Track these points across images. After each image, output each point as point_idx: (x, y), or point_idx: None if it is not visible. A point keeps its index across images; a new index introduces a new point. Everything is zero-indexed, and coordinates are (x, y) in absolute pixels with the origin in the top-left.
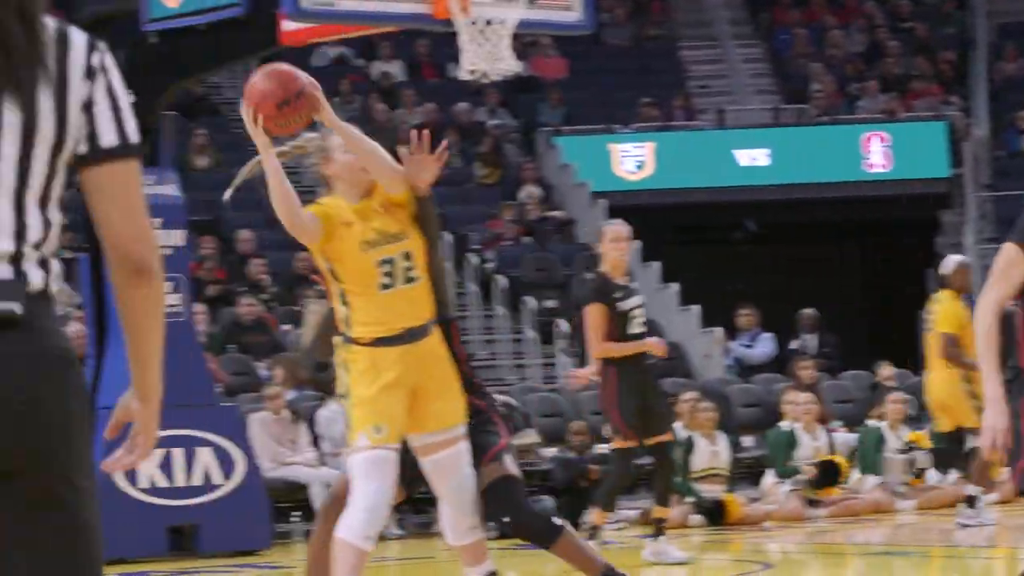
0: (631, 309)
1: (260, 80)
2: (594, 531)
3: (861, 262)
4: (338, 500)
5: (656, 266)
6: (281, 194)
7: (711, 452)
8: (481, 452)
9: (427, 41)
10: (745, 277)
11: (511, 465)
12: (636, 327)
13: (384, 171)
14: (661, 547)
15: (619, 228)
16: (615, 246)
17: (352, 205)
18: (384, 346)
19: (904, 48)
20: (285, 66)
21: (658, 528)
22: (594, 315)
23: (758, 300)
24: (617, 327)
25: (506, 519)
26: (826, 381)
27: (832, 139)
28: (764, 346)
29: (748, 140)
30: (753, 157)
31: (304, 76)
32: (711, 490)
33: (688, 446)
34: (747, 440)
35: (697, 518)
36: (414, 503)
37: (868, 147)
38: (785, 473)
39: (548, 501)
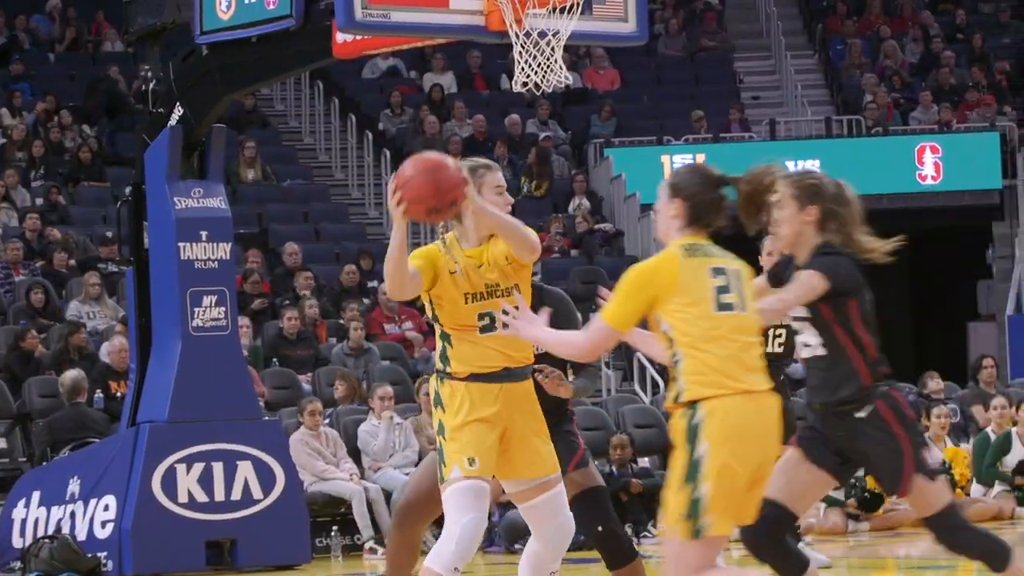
0: (769, 327)
1: (418, 176)
2: None
3: (912, 274)
4: (410, 508)
5: None
6: (398, 266)
7: None
8: (566, 458)
9: (479, 53)
10: None
11: (596, 474)
12: (774, 346)
13: (523, 245)
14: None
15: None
16: (767, 260)
17: (466, 249)
18: (481, 382)
19: (959, 58)
20: (447, 166)
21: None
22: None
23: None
24: None
25: (599, 527)
26: None
27: (884, 150)
28: None
29: (800, 151)
30: (805, 169)
31: (459, 176)
32: None
33: None
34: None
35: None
36: None
37: (921, 158)
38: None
39: None
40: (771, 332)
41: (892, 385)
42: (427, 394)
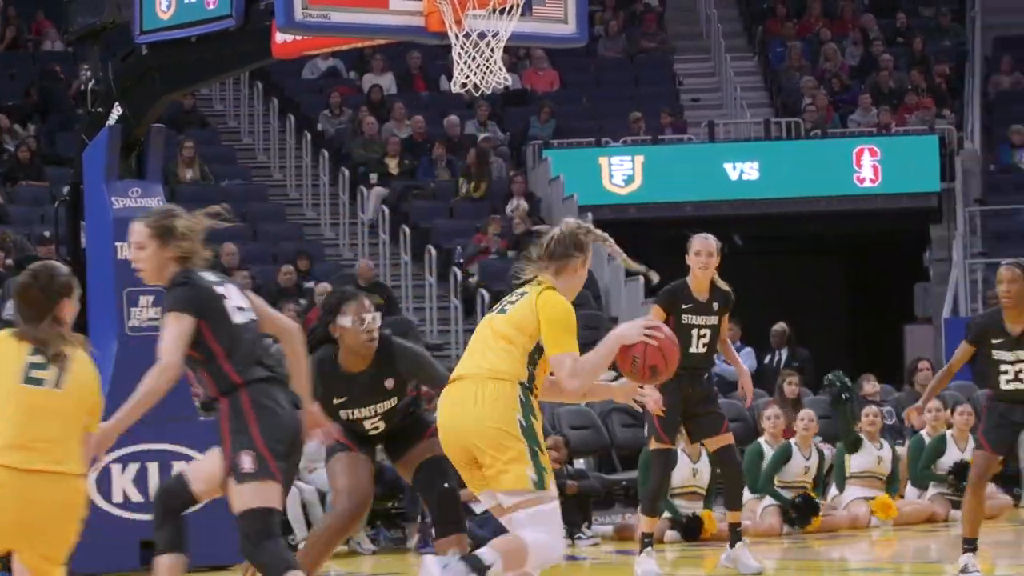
0: (694, 327)
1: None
2: (646, 539)
3: (849, 276)
4: (356, 514)
5: (642, 280)
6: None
7: (692, 469)
8: (422, 429)
9: (419, 54)
10: (734, 291)
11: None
12: (698, 346)
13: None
14: (737, 553)
15: (699, 239)
16: (694, 259)
17: None
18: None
19: (899, 61)
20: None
21: (734, 534)
22: (651, 315)
23: (744, 314)
24: (678, 339)
25: (445, 484)
26: (806, 396)
27: (823, 153)
28: (744, 360)
29: (738, 154)
30: (743, 171)
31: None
32: (688, 506)
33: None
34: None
35: (672, 534)
36: (388, 518)
37: (859, 161)
38: (760, 490)
39: None
40: (695, 332)
41: None
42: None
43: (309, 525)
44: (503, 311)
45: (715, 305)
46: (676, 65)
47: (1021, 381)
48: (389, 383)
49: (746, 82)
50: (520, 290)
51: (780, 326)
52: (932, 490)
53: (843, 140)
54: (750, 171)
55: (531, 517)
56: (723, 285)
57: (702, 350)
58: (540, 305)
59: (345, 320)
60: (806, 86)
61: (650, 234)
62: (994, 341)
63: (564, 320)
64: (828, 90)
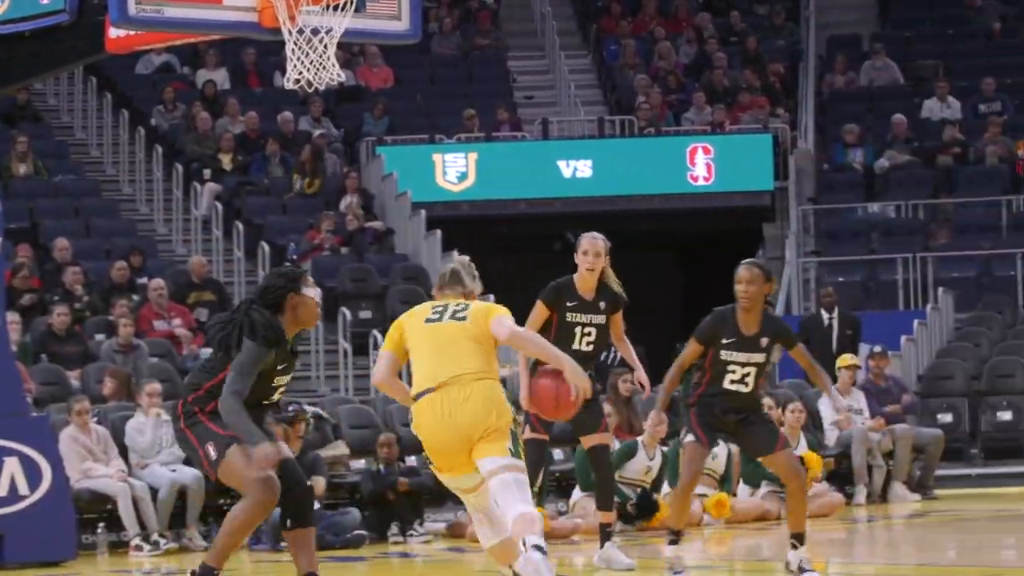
0: (578, 325)
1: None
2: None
3: (683, 274)
4: None
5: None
6: None
7: (646, 466)
8: None
9: (253, 49)
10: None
11: None
12: (582, 344)
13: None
14: (608, 552)
15: (595, 239)
16: (581, 258)
17: None
18: None
19: (733, 60)
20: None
21: (604, 534)
22: (535, 310)
23: None
24: (561, 336)
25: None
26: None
27: (656, 151)
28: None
29: (572, 151)
30: (576, 168)
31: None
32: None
33: None
34: (557, 453)
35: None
36: (221, 515)
37: (692, 159)
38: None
39: (355, 513)
40: (579, 330)
41: None
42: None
43: (141, 523)
44: (460, 319)
45: (602, 304)
46: (510, 63)
47: (745, 384)
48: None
49: (580, 80)
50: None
51: None
52: (764, 488)
53: (677, 138)
54: (583, 169)
55: (518, 483)
56: (615, 286)
57: (586, 348)
58: (484, 308)
59: (311, 291)
60: (640, 84)
61: (483, 231)
62: (724, 341)
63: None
64: (662, 88)
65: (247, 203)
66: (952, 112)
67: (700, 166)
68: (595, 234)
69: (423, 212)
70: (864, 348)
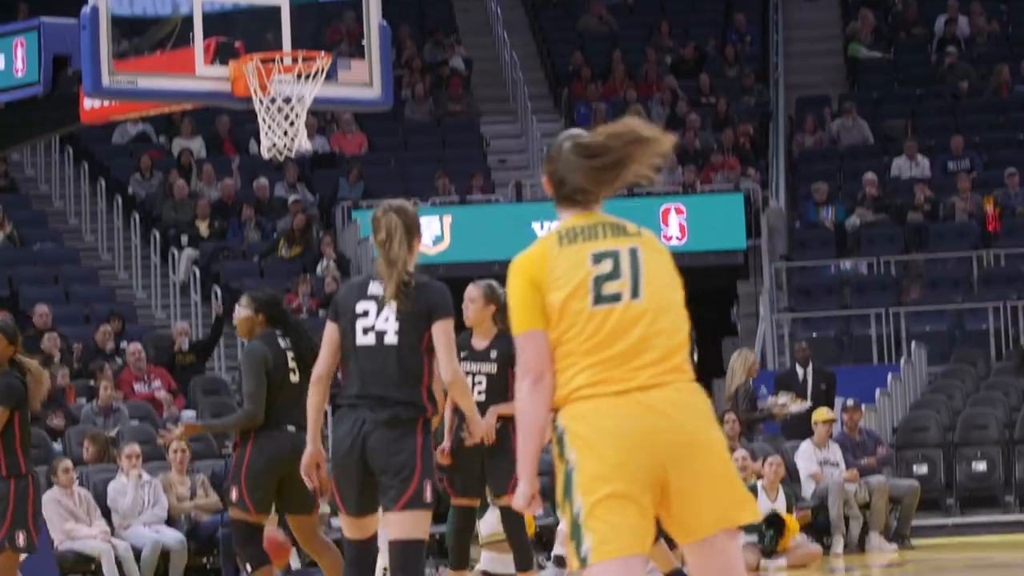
0: (468, 374)
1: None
2: None
3: None
4: None
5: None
6: None
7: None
8: None
9: (227, 117)
10: None
11: None
12: (473, 394)
13: None
14: None
15: (470, 287)
16: (465, 305)
17: None
18: None
19: (704, 121)
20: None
21: None
22: None
23: None
24: None
25: None
26: None
27: (630, 212)
28: None
29: (546, 213)
30: (550, 230)
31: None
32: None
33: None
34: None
35: None
36: (203, 574)
37: (666, 219)
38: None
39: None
40: (471, 379)
41: None
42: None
43: None
44: None
45: (493, 353)
46: (483, 127)
47: (483, 394)
48: None
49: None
50: None
51: None
52: (743, 539)
53: (649, 199)
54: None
55: None
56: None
57: (478, 398)
58: None
59: None
60: None
61: (459, 293)
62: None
63: None
64: None
65: (224, 267)
66: (921, 170)
67: (673, 226)
68: (476, 282)
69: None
70: (839, 402)
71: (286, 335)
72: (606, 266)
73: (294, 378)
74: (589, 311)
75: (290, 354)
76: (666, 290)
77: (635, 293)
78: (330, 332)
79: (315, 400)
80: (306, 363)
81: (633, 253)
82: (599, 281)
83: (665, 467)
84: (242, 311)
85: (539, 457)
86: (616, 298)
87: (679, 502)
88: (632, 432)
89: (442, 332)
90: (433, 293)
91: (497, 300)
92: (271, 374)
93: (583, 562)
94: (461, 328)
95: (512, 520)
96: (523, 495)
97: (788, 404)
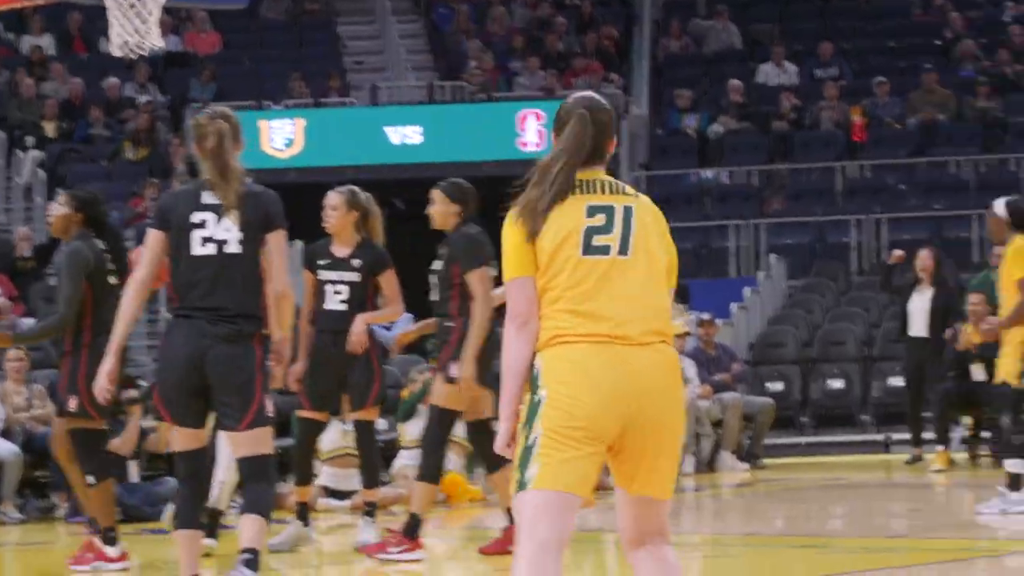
0: (328, 283)
1: None
2: (302, 507)
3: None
4: None
5: (299, 246)
6: None
7: (343, 431)
8: None
9: (79, 15)
10: (394, 257)
11: None
12: (333, 303)
13: None
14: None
15: (331, 194)
16: (326, 212)
17: None
18: None
19: (567, 24)
20: None
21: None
22: (303, 279)
23: (408, 279)
24: (317, 295)
25: None
26: None
27: (487, 117)
28: (404, 326)
29: (401, 117)
30: (405, 135)
31: None
32: (341, 473)
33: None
34: (381, 423)
35: (326, 501)
36: (37, 487)
37: (523, 125)
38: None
39: (171, 482)
40: (330, 288)
41: None
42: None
43: None
44: None
45: (356, 262)
46: (340, 28)
47: (345, 303)
48: None
49: (411, 45)
50: None
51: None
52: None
53: (507, 104)
54: (413, 135)
55: None
56: (378, 244)
57: (339, 307)
58: None
59: None
60: (472, 49)
61: (310, 199)
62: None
63: None
64: (494, 53)
65: (71, 170)
66: (788, 77)
67: (531, 132)
68: (341, 188)
69: (249, 179)
70: (694, 315)
71: (101, 237)
72: (600, 219)
73: (112, 280)
74: (577, 259)
75: (107, 256)
76: (654, 252)
77: (623, 249)
78: (155, 240)
79: (130, 308)
80: (122, 266)
81: (627, 211)
82: (590, 232)
83: (626, 424)
84: (60, 208)
85: (520, 400)
86: (604, 250)
87: (628, 459)
88: (605, 381)
89: (278, 242)
90: (270, 201)
91: (359, 206)
92: (92, 276)
93: (521, 486)
94: (294, 236)
95: (365, 435)
96: (504, 436)
97: None
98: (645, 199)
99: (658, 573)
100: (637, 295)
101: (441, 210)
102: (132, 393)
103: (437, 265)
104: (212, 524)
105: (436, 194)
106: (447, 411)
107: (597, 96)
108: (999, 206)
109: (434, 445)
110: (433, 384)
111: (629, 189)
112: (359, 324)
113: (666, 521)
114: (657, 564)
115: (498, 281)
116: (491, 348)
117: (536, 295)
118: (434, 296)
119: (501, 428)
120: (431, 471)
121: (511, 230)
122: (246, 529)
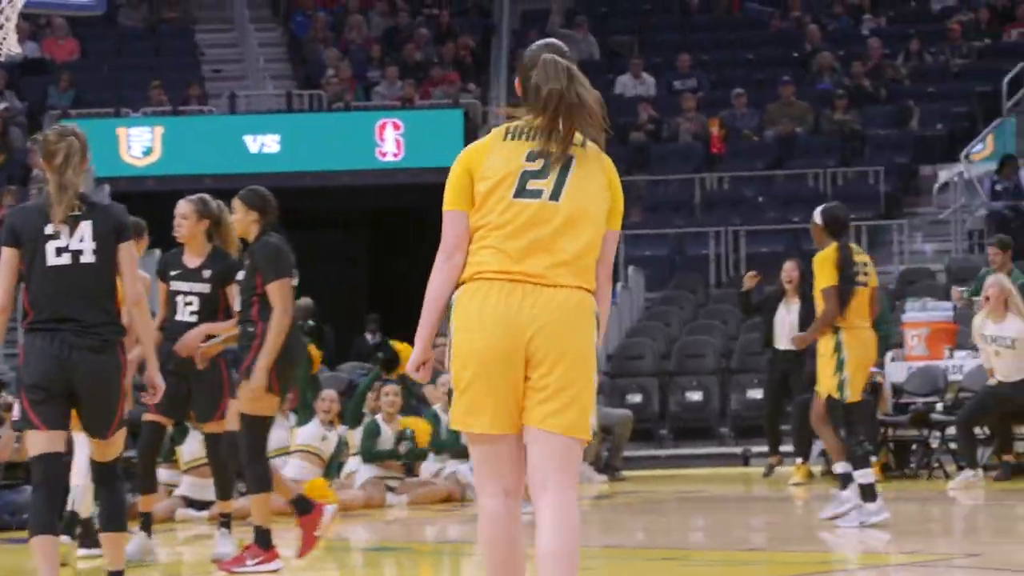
0: (179, 293)
1: None
2: (146, 517)
3: (370, 251)
4: None
5: (157, 254)
6: None
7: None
8: None
9: None
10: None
11: None
12: (184, 314)
13: None
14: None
15: (181, 203)
16: (177, 222)
17: None
18: None
19: (426, 34)
20: None
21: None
22: (158, 289)
23: None
24: (169, 307)
25: None
26: (324, 372)
27: (345, 126)
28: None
29: (259, 126)
30: (263, 143)
31: None
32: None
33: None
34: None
35: (185, 512)
36: None
37: (382, 135)
38: None
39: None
40: (181, 299)
41: None
42: None
43: None
44: None
45: (206, 273)
46: (198, 35)
47: (195, 315)
48: None
49: (269, 53)
50: None
51: (305, 301)
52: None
53: (366, 113)
54: (271, 144)
55: None
56: (230, 254)
57: (190, 319)
58: None
59: None
60: (330, 58)
61: (167, 207)
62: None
63: None
64: (352, 62)
65: None
66: (646, 89)
67: (390, 142)
68: (192, 196)
69: (107, 187)
70: None
71: None
72: (537, 164)
73: None
74: (508, 201)
75: None
76: (587, 200)
77: (555, 195)
78: (9, 257)
79: None
80: None
81: (568, 159)
82: (526, 176)
83: (528, 358)
84: None
85: (436, 329)
86: (536, 194)
87: (531, 393)
88: (509, 318)
89: (128, 253)
90: (119, 212)
91: (210, 215)
92: None
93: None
94: (152, 245)
95: (215, 448)
96: (414, 362)
97: None
98: (593, 147)
99: (554, 520)
100: (558, 240)
101: (241, 218)
102: (8, 398)
103: (240, 275)
104: (86, 530)
105: (236, 203)
106: (256, 417)
107: (557, 41)
108: (817, 214)
109: (254, 454)
110: (239, 391)
111: (578, 137)
112: (193, 332)
113: (570, 464)
114: (554, 511)
115: (298, 291)
116: (290, 355)
117: (466, 230)
118: (236, 305)
119: (415, 352)
120: (259, 481)
121: (457, 163)
122: (108, 550)
